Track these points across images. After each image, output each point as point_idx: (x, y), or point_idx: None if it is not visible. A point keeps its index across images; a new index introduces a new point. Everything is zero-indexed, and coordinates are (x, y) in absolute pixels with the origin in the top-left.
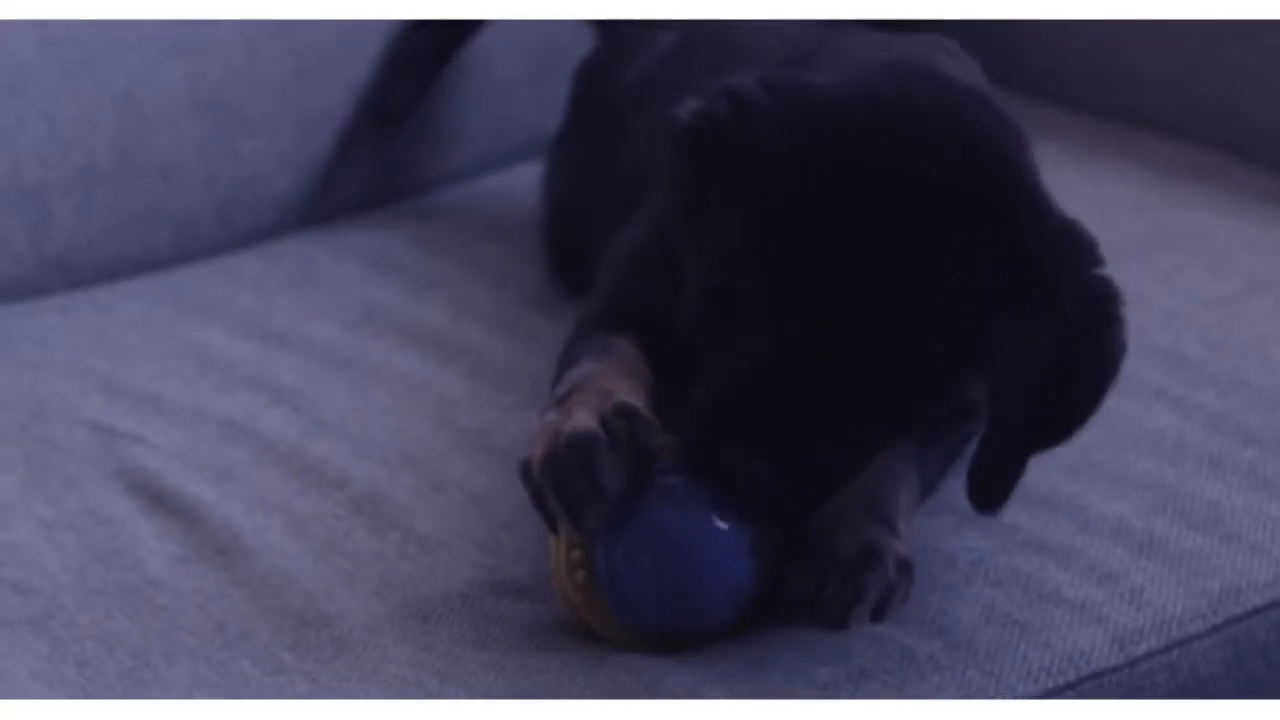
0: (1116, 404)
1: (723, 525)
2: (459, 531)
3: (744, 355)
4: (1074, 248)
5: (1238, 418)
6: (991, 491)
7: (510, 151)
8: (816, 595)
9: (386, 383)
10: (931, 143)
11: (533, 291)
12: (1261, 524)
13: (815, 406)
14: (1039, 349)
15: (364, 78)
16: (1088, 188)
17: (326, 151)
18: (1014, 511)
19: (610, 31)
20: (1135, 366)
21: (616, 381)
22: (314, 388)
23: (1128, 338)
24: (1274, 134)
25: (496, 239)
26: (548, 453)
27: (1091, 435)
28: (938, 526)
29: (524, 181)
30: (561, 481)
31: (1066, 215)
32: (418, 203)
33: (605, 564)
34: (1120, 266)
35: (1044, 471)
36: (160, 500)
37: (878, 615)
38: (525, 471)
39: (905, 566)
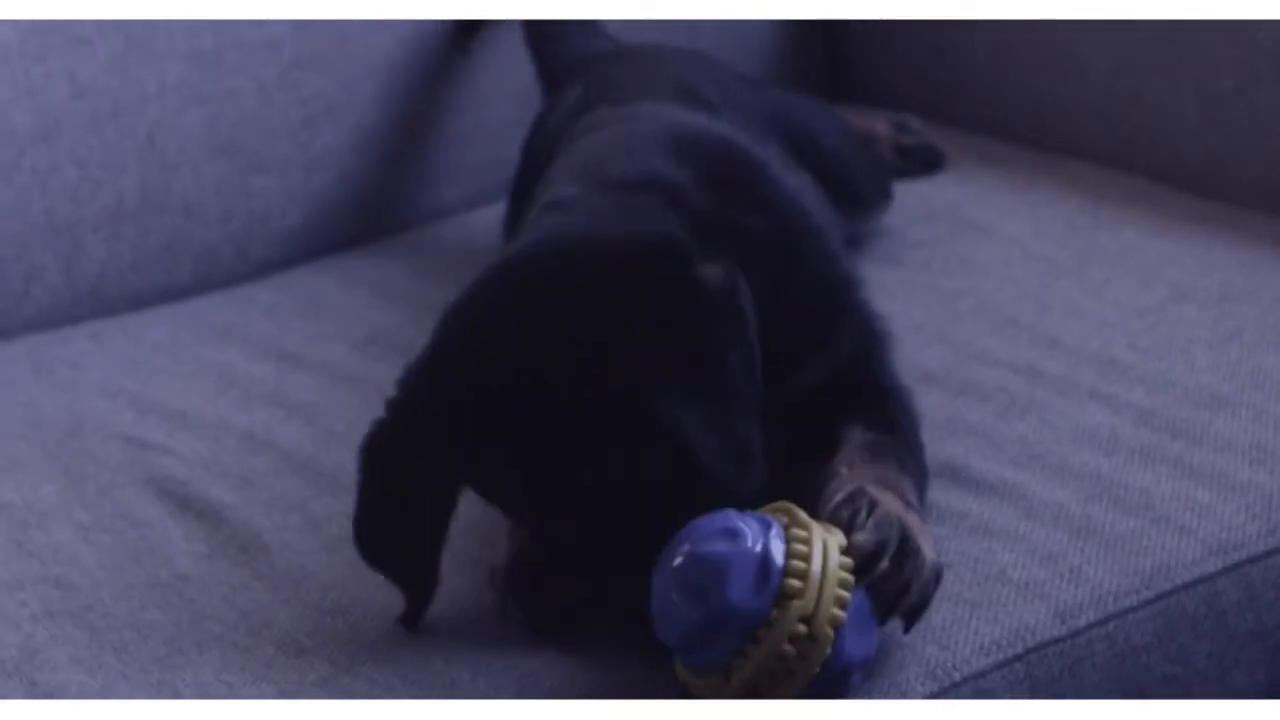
0: (1054, 403)
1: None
2: (462, 528)
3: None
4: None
5: (1165, 414)
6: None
7: (497, 188)
8: (879, 551)
9: None
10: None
11: None
12: (1189, 508)
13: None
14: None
15: (364, 123)
16: (1026, 210)
17: (331, 189)
18: (963, 500)
19: (549, 89)
20: (1070, 369)
21: None
22: (326, 402)
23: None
24: (1195, 161)
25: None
26: (510, 565)
27: (1033, 431)
28: None
29: None
30: (520, 592)
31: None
32: (414, 235)
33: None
34: (1056, 280)
35: (990, 463)
36: (187, 504)
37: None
38: (491, 578)
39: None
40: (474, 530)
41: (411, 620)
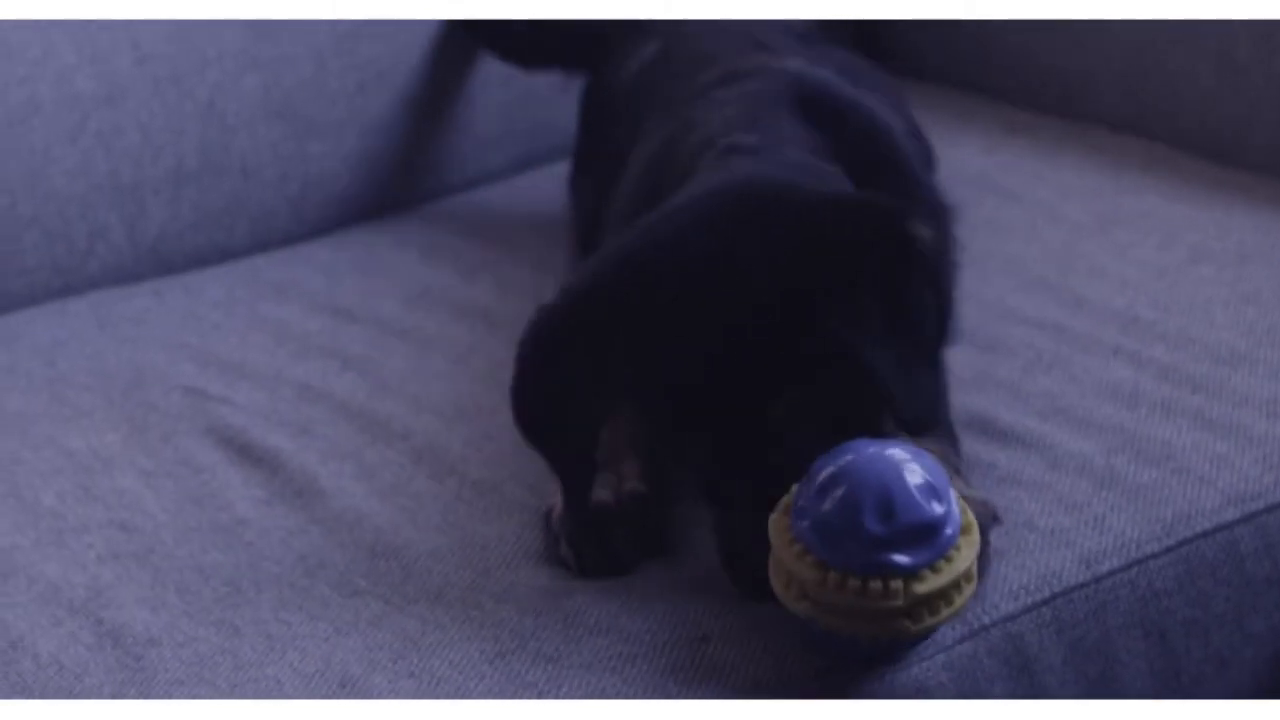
0: (1079, 358)
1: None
2: (509, 475)
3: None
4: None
5: (1186, 369)
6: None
7: (543, 152)
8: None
9: (442, 350)
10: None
11: (567, 272)
12: (1208, 459)
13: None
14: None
15: (415, 89)
16: (1052, 176)
17: (384, 153)
18: (991, 451)
19: (602, 60)
20: (1095, 326)
21: (626, 462)
22: (378, 355)
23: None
24: (1212, 129)
25: (534, 228)
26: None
27: (1059, 385)
28: None
29: (556, 179)
30: (575, 535)
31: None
32: (463, 198)
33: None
34: (1080, 242)
35: (1017, 416)
36: (245, 452)
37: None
38: (545, 520)
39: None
40: (520, 476)
41: (576, 505)
